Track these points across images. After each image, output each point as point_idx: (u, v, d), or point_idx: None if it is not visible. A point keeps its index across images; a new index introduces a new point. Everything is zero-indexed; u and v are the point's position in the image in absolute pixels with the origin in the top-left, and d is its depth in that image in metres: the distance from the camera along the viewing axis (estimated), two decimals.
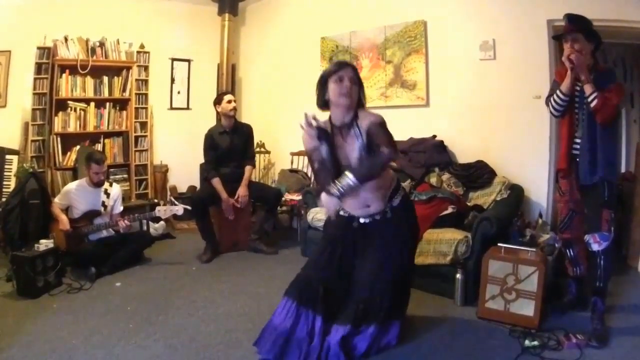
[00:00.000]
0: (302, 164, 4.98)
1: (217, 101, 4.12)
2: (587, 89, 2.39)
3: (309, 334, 2.21)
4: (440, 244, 3.01)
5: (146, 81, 5.19)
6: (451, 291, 2.94)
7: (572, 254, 2.75)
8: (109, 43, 4.91)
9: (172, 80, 5.53)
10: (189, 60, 5.60)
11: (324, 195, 2.18)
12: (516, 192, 3.50)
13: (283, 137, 5.27)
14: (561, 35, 2.54)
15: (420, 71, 4.16)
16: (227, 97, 4.08)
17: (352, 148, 2.23)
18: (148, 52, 5.19)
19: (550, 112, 2.64)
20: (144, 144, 5.20)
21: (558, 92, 2.51)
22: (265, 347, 2.21)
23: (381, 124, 2.18)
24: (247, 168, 4.11)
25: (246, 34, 5.80)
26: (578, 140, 2.55)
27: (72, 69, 4.69)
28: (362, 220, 2.34)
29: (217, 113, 4.23)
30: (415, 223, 2.47)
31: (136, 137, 5.11)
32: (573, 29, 2.47)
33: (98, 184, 3.68)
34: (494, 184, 3.55)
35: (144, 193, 5.19)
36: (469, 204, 3.54)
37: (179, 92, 5.59)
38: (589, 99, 2.39)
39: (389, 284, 2.28)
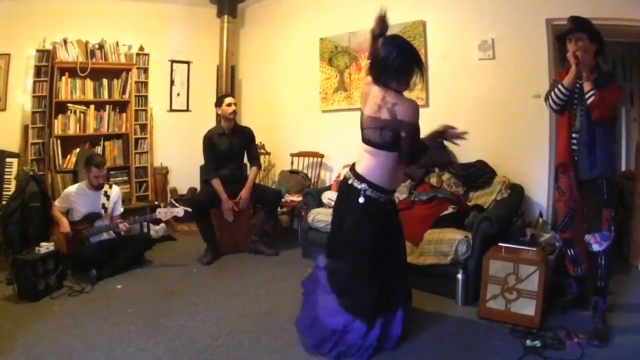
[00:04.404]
0: (302, 165, 4.98)
1: (218, 103, 4.13)
2: (587, 86, 2.42)
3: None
4: (440, 244, 3.01)
5: (146, 83, 5.19)
6: (452, 291, 2.94)
7: (572, 253, 2.75)
8: (108, 45, 4.91)
9: (172, 82, 5.53)
10: (188, 62, 5.60)
11: None
12: (516, 192, 3.50)
13: (283, 138, 5.27)
14: (565, 34, 2.55)
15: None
16: (228, 99, 4.08)
17: None
18: (147, 54, 5.20)
19: (550, 107, 2.64)
20: (144, 146, 5.20)
21: (560, 86, 2.53)
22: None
23: None
24: (253, 169, 4.12)
25: (245, 36, 5.81)
26: (575, 135, 2.56)
27: (71, 71, 4.69)
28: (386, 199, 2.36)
29: (217, 115, 4.24)
30: None
31: (136, 140, 5.11)
32: (578, 29, 2.49)
33: (98, 187, 3.68)
34: (494, 184, 3.55)
35: (145, 195, 5.19)
36: (469, 203, 3.54)
37: (178, 94, 5.59)
38: (587, 96, 2.41)
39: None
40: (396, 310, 2.37)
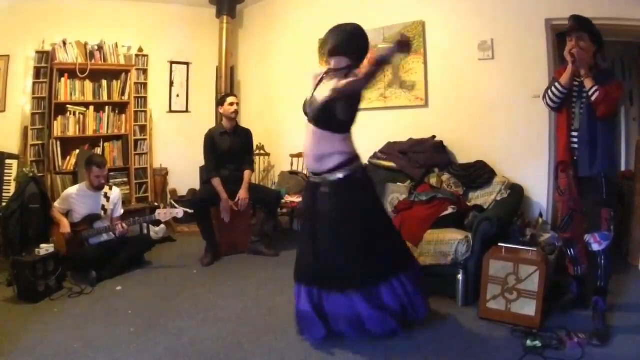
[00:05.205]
0: (302, 165, 4.98)
1: (220, 102, 4.14)
2: (587, 83, 2.42)
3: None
4: (440, 244, 3.00)
5: (145, 84, 5.20)
6: (452, 291, 2.93)
7: (572, 253, 2.75)
8: (107, 46, 4.92)
9: (171, 84, 5.53)
10: (187, 63, 5.60)
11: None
12: (516, 192, 3.49)
13: (283, 139, 5.27)
14: (566, 32, 2.55)
15: (419, 72, 4.16)
16: (230, 99, 4.09)
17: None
18: (147, 56, 5.20)
19: (547, 104, 2.64)
20: (143, 148, 5.20)
21: (556, 84, 2.53)
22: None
23: None
24: (247, 172, 4.11)
25: (245, 36, 5.81)
26: (575, 134, 2.55)
27: (71, 72, 4.70)
28: (312, 180, 2.55)
29: (219, 114, 4.25)
30: (366, 200, 2.50)
31: (136, 141, 5.12)
32: (579, 28, 2.49)
33: (98, 188, 3.68)
34: (493, 184, 3.54)
35: (144, 196, 5.20)
36: (469, 204, 3.53)
37: (178, 95, 5.59)
38: (590, 92, 2.40)
39: (355, 252, 2.43)
40: (326, 290, 2.41)
